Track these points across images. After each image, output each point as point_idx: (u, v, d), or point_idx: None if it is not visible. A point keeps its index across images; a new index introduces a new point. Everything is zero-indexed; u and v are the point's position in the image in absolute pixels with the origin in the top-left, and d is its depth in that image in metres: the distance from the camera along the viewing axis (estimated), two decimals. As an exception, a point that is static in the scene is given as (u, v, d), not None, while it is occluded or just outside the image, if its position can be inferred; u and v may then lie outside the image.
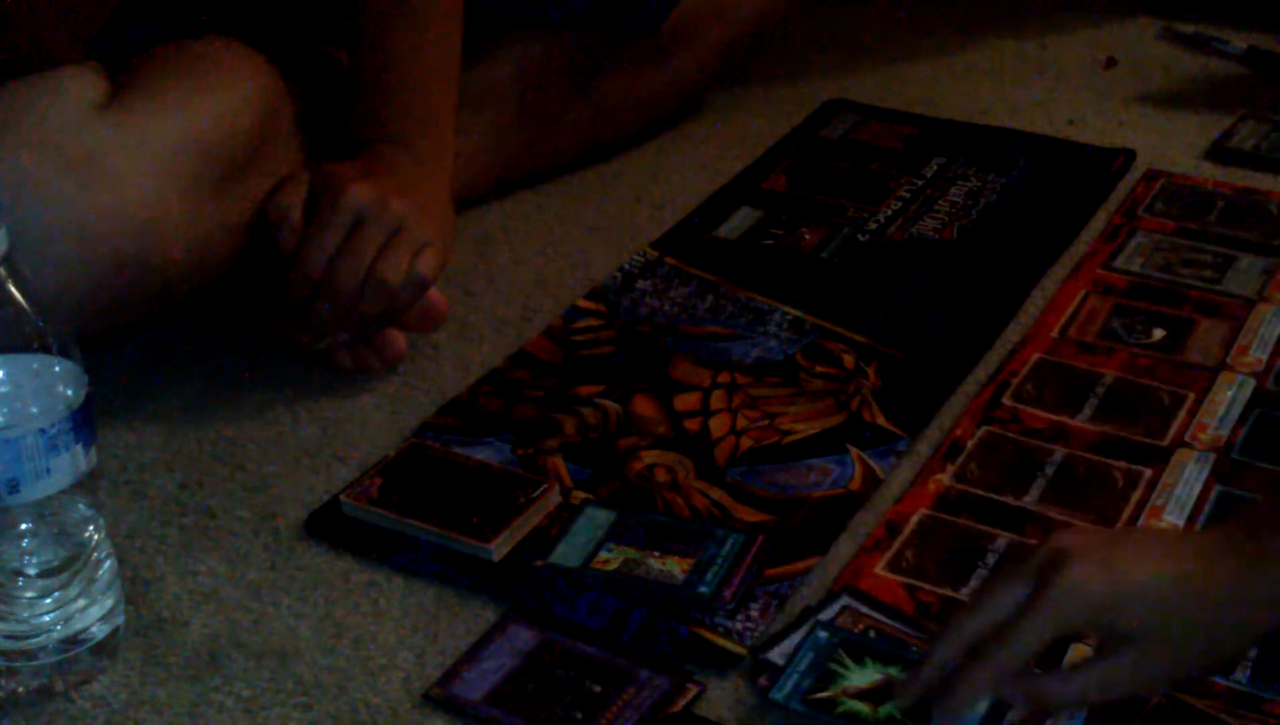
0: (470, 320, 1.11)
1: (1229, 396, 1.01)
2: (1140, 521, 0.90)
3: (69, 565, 0.77)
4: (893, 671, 0.78)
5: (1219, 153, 1.36)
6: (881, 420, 0.99)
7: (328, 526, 0.90)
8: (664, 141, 1.39)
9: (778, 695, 0.77)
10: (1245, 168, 1.33)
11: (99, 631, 0.79)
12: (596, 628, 0.82)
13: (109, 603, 0.79)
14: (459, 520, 0.88)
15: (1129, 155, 1.35)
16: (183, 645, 0.82)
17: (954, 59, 1.59)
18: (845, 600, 0.83)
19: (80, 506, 0.77)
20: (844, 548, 0.89)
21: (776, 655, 0.79)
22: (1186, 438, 0.97)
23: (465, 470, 0.93)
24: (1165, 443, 0.97)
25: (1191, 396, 1.01)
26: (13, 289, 0.73)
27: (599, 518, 0.90)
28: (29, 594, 0.76)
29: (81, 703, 0.78)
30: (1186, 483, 0.93)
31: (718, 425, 0.99)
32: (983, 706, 0.75)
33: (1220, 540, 0.72)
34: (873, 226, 1.23)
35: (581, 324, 1.10)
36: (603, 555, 0.86)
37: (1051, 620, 0.69)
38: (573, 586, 0.85)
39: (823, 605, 0.83)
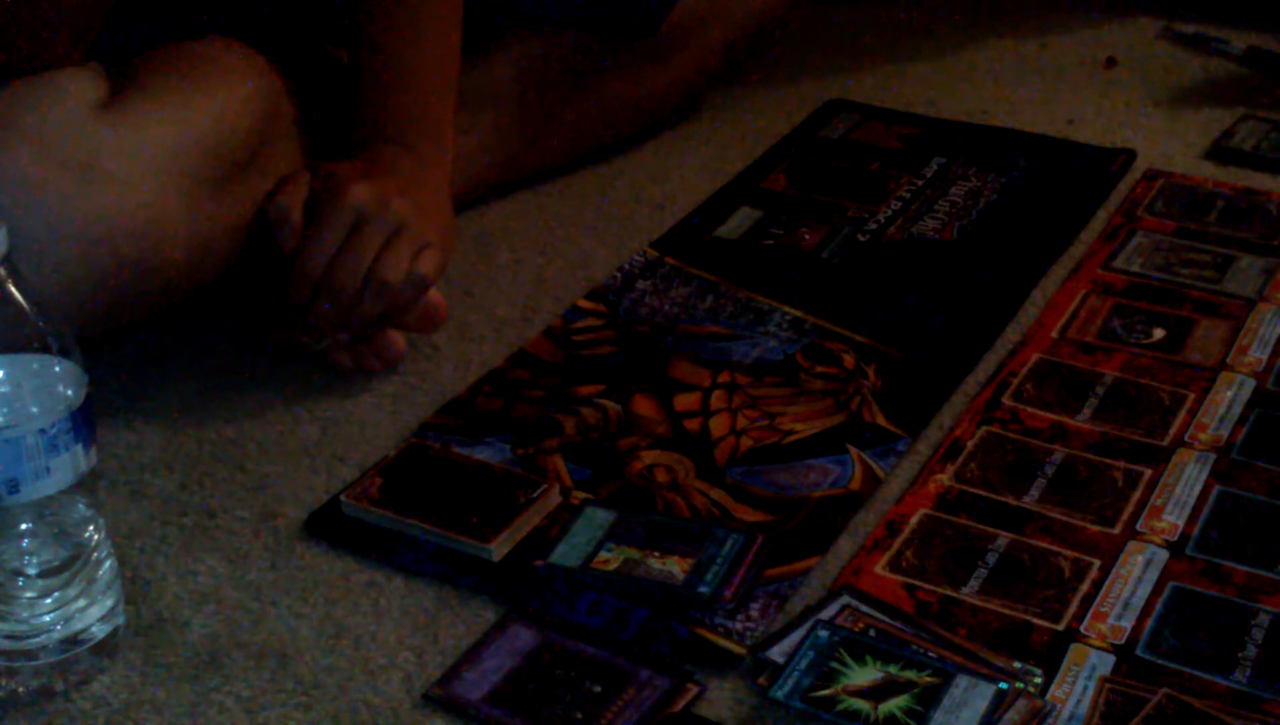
0: (470, 320, 1.11)
1: (1229, 396, 1.01)
2: (1140, 522, 0.90)
3: (69, 565, 0.77)
4: (893, 670, 0.78)
5: (1219, 153, 1.36)
6: (881, 420, 0.99)
7: (328, 526, 0.90)
8: (664, 141, 1.39)
9: (778, 693, 0.77)
10: (1245, 168, 1.33)
11: (99, 631, 0.79)
12: (596, 628, 0.82)
13: (109, 603, 0.79)
14: (459, 520, 0.89)
15: (1129, 155, 1.35)
16: (183, 645, 0.82)
17: (954, 59, 1.59)
18: (845, 599, 0.83)
19: (80, 506, 0.77)
20: (844, 548, 0.89)
21: (776, 654, 0.79)
22: (1186, 438, 0.97)
23: (465, 470, 0.93)
24: (1165, 443, 0.97)
25: (1191, 396, 1.01)
26: (13, 289, 0.73)
27: (599, 518, 0.90)
28: (29, 594, 0.76)
29: (81, 703, 0.78)
30: (1186, 483, 0.93)
31: (718, 425, 0.99)
32: (983, 706, 0.75)
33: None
34: (873, 226, 1.23)
35: (581, 324, 1.10)
36: (603, 555, 0.86)
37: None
38: (573, 586, 0.85)
39: (823, 604, 0.83)
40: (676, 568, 0.85)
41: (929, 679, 0.77)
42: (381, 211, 0.98)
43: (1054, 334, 1.08)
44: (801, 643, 0.80)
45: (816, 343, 1.07)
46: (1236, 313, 1.11)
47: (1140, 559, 0.87)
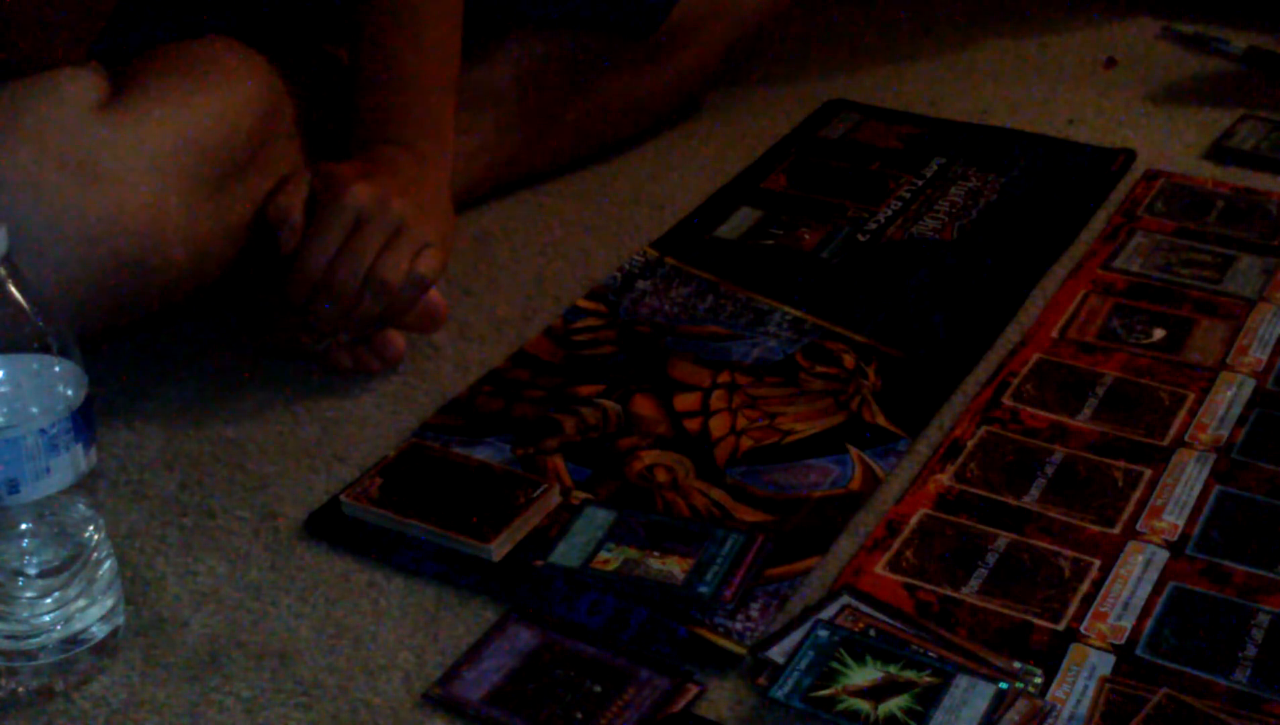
0: (470, 320, 1.11)
1: (1229, 396, 1.01)
2: (1140, 522, 0.90)
3: (69, 565, 0.77)
4: (893, 670, 0.78)
5: (1219, 153, 1.36)
6: (881, 420, 0.99)
7: (328, 526, 0.90)
8: (664, 141, 1.39)
9: (778, 693, 0.77)
10: (1245, 168, 1.33)
11: (99, 631, 0.79)
12: (596, 628, 0.82)
13: (109, 603, 0.79)
14: (459, 520, 0.89)
15: (1129, 155, 1.35)
16: (183, 645, 0.82)
17: (954, 59, 1.59)
18: (845, 599, 0.83)
19: (80, 506, 0.77)
20: (844, 548, 0.89)
21: (776, 654, 0.79)
22: (1186, 438, 0.97)
23: (465, 470, 0.93)
24: (1165, 443, 0.97)
25: (1191, 396, 1.01)
26: (13, 289, 0.73)
27: (599, 518, 0.90)
28: (29, 594, 0.76)
29: (81, 703, 0.78)
30: (1186, 483, 0.93)
31: (718, 425, 0.99)
32: (983, 706, 0.75)
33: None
34: (873, 226, 1.23)
35: (581, 324, 1.10)
36: (603, 555, 0.86)
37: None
38: (573, 586, 0.85)
39: (823, 604, 0.83)
40: (676, 568, 0.85)
41: (929, 679, 0.77)
42: (381, 212, 0.98)
43: (1054, 334, 1.08)
44: (801, 643, 0.80)
45: (816, 343, 1.07)
46: (1236, 313, 1.11)
47: (1140, 559, 0.87)
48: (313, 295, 0.98)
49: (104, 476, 0.93)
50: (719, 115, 1.44)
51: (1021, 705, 0.76)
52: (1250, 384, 1.02)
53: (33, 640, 0.77)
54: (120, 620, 0.81)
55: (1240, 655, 0.80)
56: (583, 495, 0.92)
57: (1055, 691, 0.78)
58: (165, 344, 1.08)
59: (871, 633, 0.81)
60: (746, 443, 0.97)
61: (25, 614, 0.76)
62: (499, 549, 0.87)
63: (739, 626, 0.82)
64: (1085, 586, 0.85)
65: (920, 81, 1.52)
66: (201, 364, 1.06)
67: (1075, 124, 1.42)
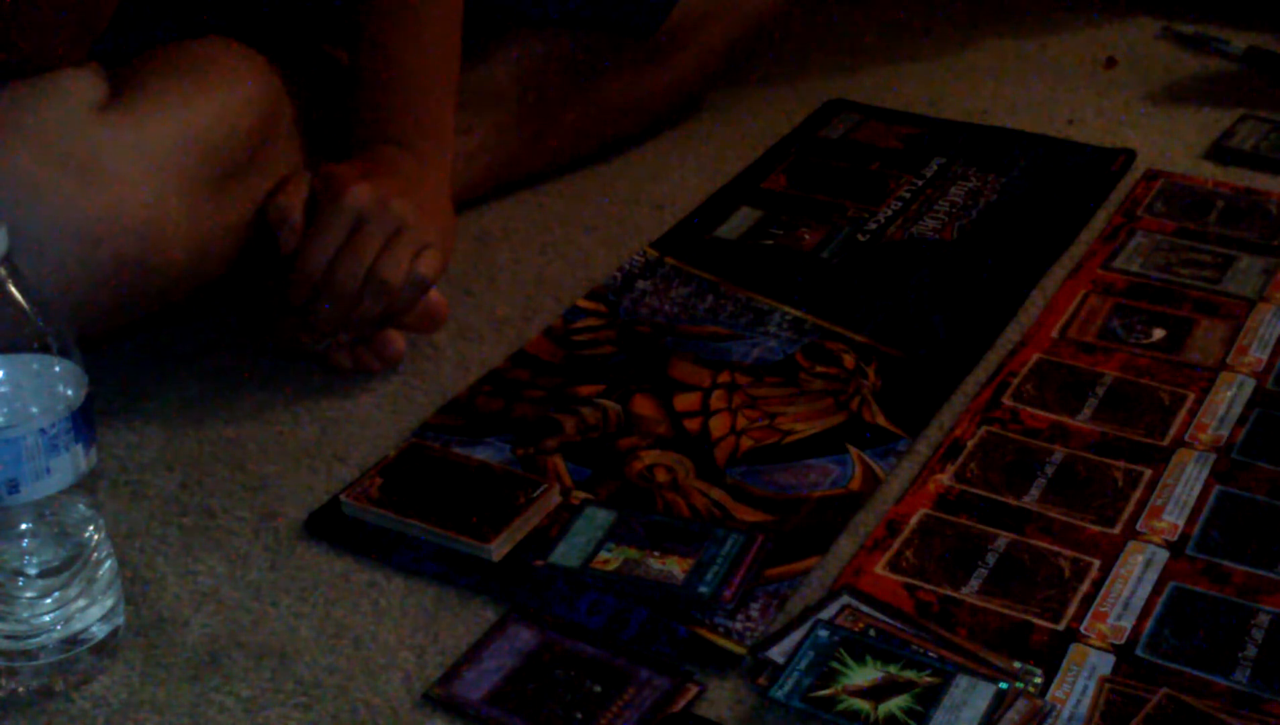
0: (470, 320, 1.11)
1: (1229, 396, 1.01)
2: (1140, 522, 0.90)
3: (69, 565, 0.77)
4: (893, 670, 0.78)
5: (1219, 153, 1.36)
6: (881, 420, 0.99)
7: (328, 526, 0.90)
8: (664, 141, 1.39)
9: (778, 693, 0.77)
10: (1245, 168, 1.33)
11: (99, 631, 0.79)
12: (596, 628, 0.82)
13: (109, 603, 0.79)
14: (459, 520, 0.89)
15: (1129, 155, 1.35)
16: (183, 645, 0.82)
17: (954, 59, 1.59)
18: (845, 599, 0.83)
19: (80, 506, 0.77)
20: (844, 548, 0.89)
21: (776, 654, 0.79)
22: (1186, 438, 0.97)
23: (465, 470, 0.93)
24: (1165, 443, 0.97)
25: (1191, 396, 1.01)
26: (13, 289, 0.73)
27: (599, 518, 0.90)
28: (29, 594, 0.76)
29: (81, 703, 0.78)
30: (1186, 483, 0.93)
31: (718, 425, 0.99)
32: (982, 706, 0.75)
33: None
34: (873, 226, 1.23)
35: (581, 324, 1.10)
36: (603, 555, 0.86)
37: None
38: (573, 586, 0.85)
39: (823, 604, 0.83)
40: (676, 568, 0.85)
41: (929, 679, 0.77)
42: (382, 212, 0.98)
43: (1054, 334, 1.08)
44: (801, 643, 0.80)
45: (816, 343, 1.07)
46: (1236, 313, 1.11)
47: (1140, 559, 0.87)
48: (313, 295, 0.98)
49: (104, 476, 0.93)
50: (719, 115, 1.44)
51: (1021, 705, 0.76)
52: (1250, 384, 1.02)
53: (33, 640, 0.77)
54: (120, 620, 0.81)
55: (1240, 655, 0.80)
56: (583, 495, 0.92)
57: (1055, 691, 0.78)
58: (165, 344, 1.08)
59: (871, 633, 0.81)
60: (746, 443, 0.97)
61: (25, 614, 0.76)
62: (499, 549, 0.87)
63: (739, 626, 0.82)
64: (1085, 586, 0.85)
65: (920, 81, 1.52)
66: (201, 364, 1.06)
67: (1075, 124, 1.42)
